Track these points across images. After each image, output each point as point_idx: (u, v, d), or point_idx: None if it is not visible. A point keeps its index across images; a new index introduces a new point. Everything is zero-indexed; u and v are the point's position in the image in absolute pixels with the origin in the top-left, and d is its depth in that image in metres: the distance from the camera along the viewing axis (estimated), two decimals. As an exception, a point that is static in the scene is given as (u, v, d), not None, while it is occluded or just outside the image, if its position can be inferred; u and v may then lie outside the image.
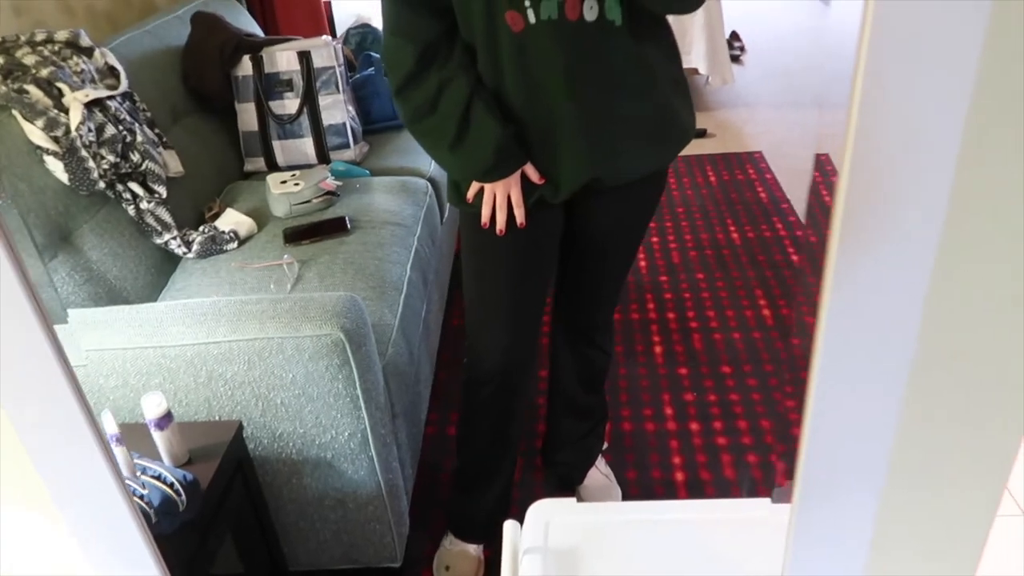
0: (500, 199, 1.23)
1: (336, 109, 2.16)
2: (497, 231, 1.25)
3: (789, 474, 0.99)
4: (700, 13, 3.52)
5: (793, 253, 2.54)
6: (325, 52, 2.15)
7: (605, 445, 1.73)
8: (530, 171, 1.22)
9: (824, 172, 3.04)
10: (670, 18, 1.24)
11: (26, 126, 1.51)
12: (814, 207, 2.79)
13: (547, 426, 1.70)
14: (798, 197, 2.91)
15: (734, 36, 4.65)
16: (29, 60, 1.59)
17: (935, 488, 0.83)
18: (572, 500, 1.17)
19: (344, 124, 2.16)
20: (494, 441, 1.49)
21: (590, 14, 1.09)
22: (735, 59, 4.55)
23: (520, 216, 1.24)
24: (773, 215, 2.78)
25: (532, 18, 1.09)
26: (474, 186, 1.25)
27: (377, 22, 2.72)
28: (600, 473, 1.68)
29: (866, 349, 0.73)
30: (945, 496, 0.84)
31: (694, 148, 3.13)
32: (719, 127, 3.60)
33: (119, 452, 1.02)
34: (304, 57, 2.14)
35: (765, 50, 4.72)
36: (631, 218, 1.38)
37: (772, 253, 2.54)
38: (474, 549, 1.57)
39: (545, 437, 1.72)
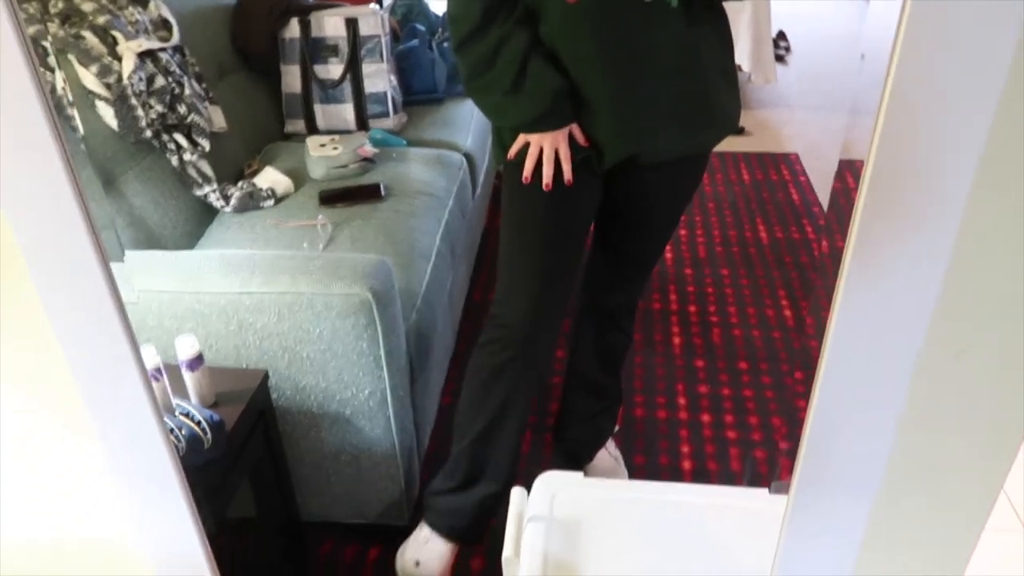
0: (548, 152, 1.25)
1: (378, 77, 2.19)
2: (543, 185, 1.26)
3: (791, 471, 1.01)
4: (747, 9, 3.49)
5: (818, 253, 2.54)
6: (372, 20, 2.18)
7: (616, 428, 1.76)
8: (576, 132, 1.24)
9: (856, 177, 3.03)
10: None
11: (80, 71, 1.56)
12: (831, 213, 2.77)
13: (560, 403, 1.73)
14: (828, 198, 2.90)
15: (780, 36, 4.61)
16: (87, 7, 1.64)
17: (929, 493, 0.85)
18: (579, 474, 1.20)
19: (385, 93, 2.19)
20: (499, 422, 1.40)
21: None
22: (779, 59, 4.51)
23: (567, 171, 1.25)
24: (803, 217, 2.78)
25: None
26: (519, 141, 1.27)
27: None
28: (609, 454, 1.71)
29: (872, 353, 0.75)
30: (938, 502, 0.86)
31: (729, 145, 3.13)
32: (757, 126, 3.59)
33: (157, 386, 1.07)
34: (351, 24, 2.17)
35: (810, 51, 4.68)
36: (668, 199, 1.41)
37: (799, 255, 2.54)
38: (451, 548, 1.47)
39: (557, 414, 1.75)
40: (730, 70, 1.29)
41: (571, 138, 1.25)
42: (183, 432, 1.10)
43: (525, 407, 1.41)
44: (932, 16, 0.59)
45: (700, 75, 1.22)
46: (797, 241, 2.62)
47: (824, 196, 2.94)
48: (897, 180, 0.66)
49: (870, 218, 0.68)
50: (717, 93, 1.26)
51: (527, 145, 1.26)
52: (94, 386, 0.84)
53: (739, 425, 1.84)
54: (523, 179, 1.27)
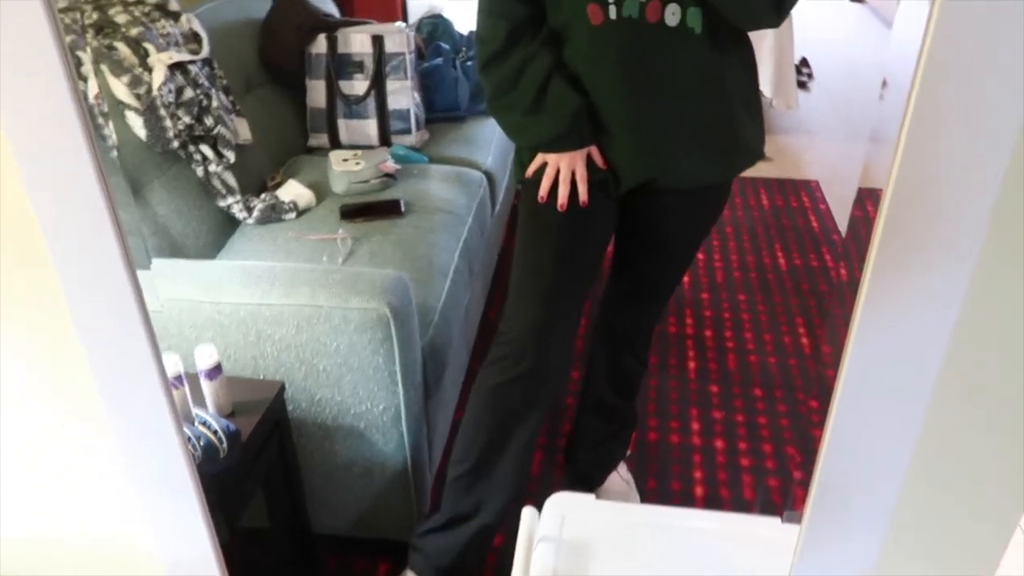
0: (564, 172, 1.25)
1: (402, 94, 2.21)
2: (559, 205, 1.27)
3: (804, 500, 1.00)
4: (770, 36, 3.50)
5: (836, 281, 2.52)
6: (398, 38, 2.20)
7: (629, 452, 1.75)
8: (595, 154, 1.25)
9: (876, 206, 3.02)
10: None
11: (112, 81, 1.59)
12: (849, 241, 2.75)
13: (573, 424, 1.73)
14: (846, 226, 2.89)
15: (803, 62, 4.61)
16: (120, 19, 1.67)
17: (942, 528, 0.84)
18: (591, 496, 1.20)
19: (408, 110, 2.22)
20: (501, 442, 1.33)
21: (671, 19, 1.13)
22: (802, 85, 4.51)
23: (583, 193, 1.26)
24: (822, 245, 2.77)
25: (612, 14, 1.13)
26: (536, 161, 1.28)
27: (448, 13, 2.77)
28: (620, 478, 1.71)
29: (887, 384, 0.75)
30: (951, 537, 0.85)
31: (749, 170, 3.13)
32: (778, 152, 3.59)
33: (177, 394, 1.08)
34: (377, 41, 2.20)
35: (833, 79, 4.68)
36: (686, 226, 1.41)
37: (817, 283, 2.53)
38: None
39: (569, 435, 1.75)
40: (754, 99, 1.29)
41: (589, 160, 1.26)
42: (200, 441, 1.11)
43: (531, 428, 1.35)
44: (954, 46, 0.59)
45: (723, 103, 1.23)
46: (815, 269, 2.61)
47: (844, 224, 2.93)
48: (915, 210, 0.66)
49: (887, 247, 0.68)
50: (740, 122, 1.26)
51: (544, 165, 1.27)
52: (115, 392, 0.85)
53: (753, 452, 1.83)
54: (539, 198, 1.28)
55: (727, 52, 1.20)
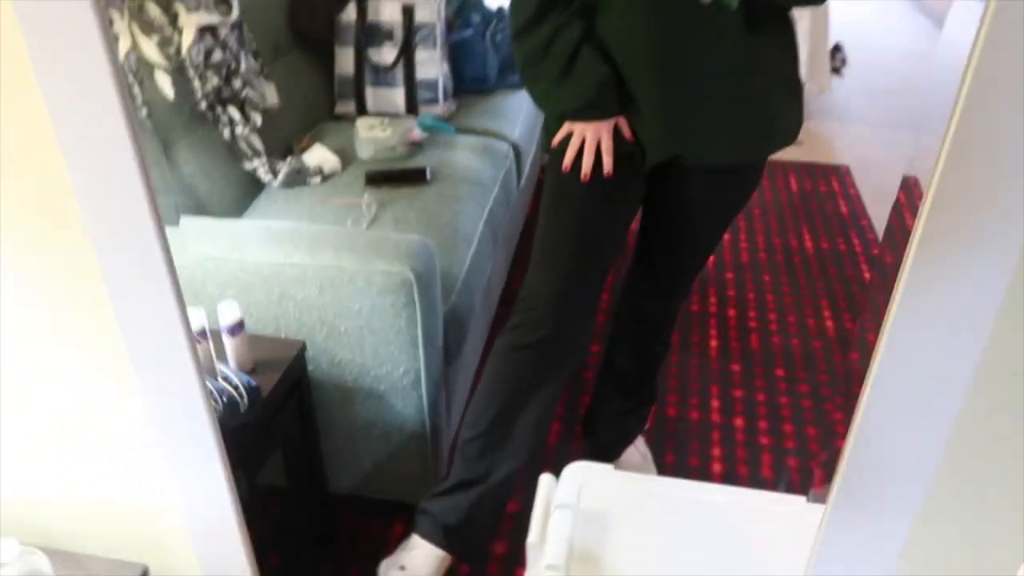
0: (590, 142, 1.24)
1: (431, 64, 2.20)
2: (581, 175, 1.25)
3: (826, 482, 0.99)
4: (807, 18, 3.44)
5: (866, 270, 2.48)
6: (427, 8, 2.19)
7: (647, 426, 1.74)
8: (623, 125, 1.23)
9: (910, 195, 2.97)
10: None
11: (142, 40, 1.59)
12: (895, 227, 2.71)
13: (591, 397, 1.72)
14: (879, 216, 2.84)
15: (837, 48, 4.53)
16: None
17: (973, 518, 0.82)
18: (609, 467, 1.19)
19: (436, 80, 2.20)
20: (514, 409, 1.31)
21: None
22: (835, 71, 4.43)
23: (607, 164, 1.24)
24: (851, 230, 2.73)
25: None
26: (563, 130, 1.27)
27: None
28: (637, 451, 1.70)
29: (926, 368, 0.73)
30: (981, 527, 0.83)
31: (779, 153, 3.09)
32: (808, 136, 3.53)
33: (201, 348, 1.08)
34: (407, 11, 2.18)
35: (867, 65, 4.59)
36: (713, 207, 1.38)
37: (844, 267, 2.49)
38: (441, 557, 1.33)
39: (588, 408, 1.74)
40: (791, 80, 1.26)
41: (616, 132, 1.24)
42: (222, 395, 1.11)
43: (546, 398, 1.32)
44: (1007, 47, 0.58)
45: (758, 82, 1.21)
46: (843, 253, 2.57)
47: (873, 210, 2.88)
48: (962, 199, 0.65)
49: (931, 234, 0.66)
50: (776, 102, 1.24)
51: (570, 135, 1.26)
52: (141, 344, 0.86)
53: (772, 432, 1.81)
54: (563, 168, 1.27)
55: (766, 33, 1.17)
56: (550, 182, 1.34)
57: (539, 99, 1.31)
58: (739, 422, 1.84)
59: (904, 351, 0.73)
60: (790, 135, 1.29)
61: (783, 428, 1.82)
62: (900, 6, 5.73)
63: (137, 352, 0.86)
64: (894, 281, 0.71)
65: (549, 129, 1.32)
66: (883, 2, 5.73)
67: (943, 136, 0.63)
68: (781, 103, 1.25)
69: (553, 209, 1.33)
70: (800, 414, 1.87)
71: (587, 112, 1.23)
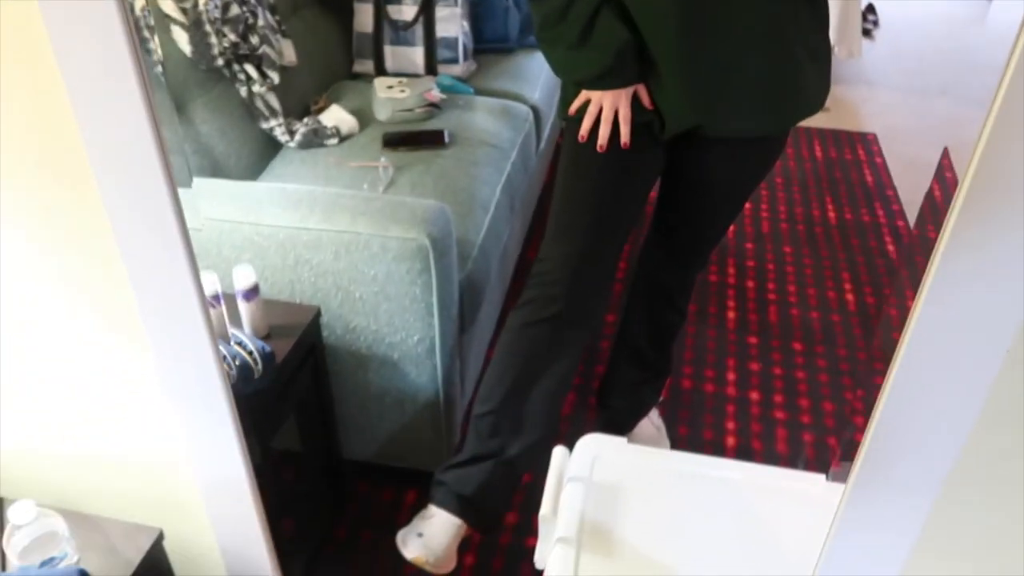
0: (607, 111, 1.21)
1: (451, 22, 2.15)
2: (597, 146, 1.23)
3: (844, 459, 0.97)
4: (838, -23, 3.33)
5: (890, 243, 2.44)
6: (449, -37, 2.13)
7: (662, 398, 1.73)
8: (642, 94, 1.20)
9: (939, 166, 2.90)
10: None
11: (159, -7, 1.56)
12: (926, 201, 2.64)
13: (606, 368, 1.71)
14: (905, 186, 2.78)
15: (869, 8, 4.40)
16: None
17: (993, 504, 0.81)
18: (623, 440, 1.19)
19: (456, 39, 2.15)
20: (528, 382, 1.29)
21: None
22: (866, 33, 4.31)
23: (625, 134, 1.21)
24: (875, 200, 2.67)
25: None
26: (580, 98, 1.24)
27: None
28: (651, 423, 1.69)
29: (955, 348, 0.71)
30: (1002, 512, 0.81)
31: (805, 120, 3.02)
32: (836, 102, 3.44)
33: (215, 313, 1.07)
34: (427, -34, 2.13)
35: (900, 29, 4.46)
36: (736, 177, 1.35)
37: (867, 239, 2.45)
38: (458, 525, 1.31)
39: (602, 379, 1.73)
40: (820, 48, 1.21)
41: (635, 100, 1.21)
42: (236, 360, 1.11)
43: (560, 372, 1.31)
44: None
45: (784, 49, 1.16)
46: (867, 224, 2.52)
47: (900, 180, 2.82)
48: (1000, 182, 0.62)
49: (969, 209, 0.64)
50: (803, 72, 1.19)
51: (588, 103, 1.22)
52: (155, 308, 0.85)
53: (788, 406, 1.80)
54: (579, 137, 1.24)
55: (790, 2, 1.12)
56: (567, 151, 1.31)
57: (556, 65, 1.27)
58: (754, 396, 1.83)
59: (937, 324, 0.70)
60: (817, 103, 1.25)
61: (799, 403, 1.81)
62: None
63: (151, 315, 0.86)
64: (927, 253, 0.69)
65: (566, 96, 1.29)
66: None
67: (988, 108, 0.60)
68: (808, 70, 1.20)
69: (569, 180, 1.30)
70: (817, 389, 1.85)
71: (605, 81, 1.19)
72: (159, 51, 1.54)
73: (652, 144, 1.26)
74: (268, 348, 1.14)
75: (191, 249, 0.81)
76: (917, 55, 4.11)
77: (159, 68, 1.52)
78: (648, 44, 1.16)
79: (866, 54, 4.03)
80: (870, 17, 4.41)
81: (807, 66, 1.20)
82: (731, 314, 2.09)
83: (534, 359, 1.30)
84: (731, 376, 1.88)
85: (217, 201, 1.34)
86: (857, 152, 3.01)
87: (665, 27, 1.14)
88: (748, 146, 1.29)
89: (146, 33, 1.51)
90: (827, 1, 1.19)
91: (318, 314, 1.31)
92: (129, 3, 0.69)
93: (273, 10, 1.84)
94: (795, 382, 1.87)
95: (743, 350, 1.96)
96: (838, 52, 3.51)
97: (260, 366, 1.12)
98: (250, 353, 1.12)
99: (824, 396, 1.83)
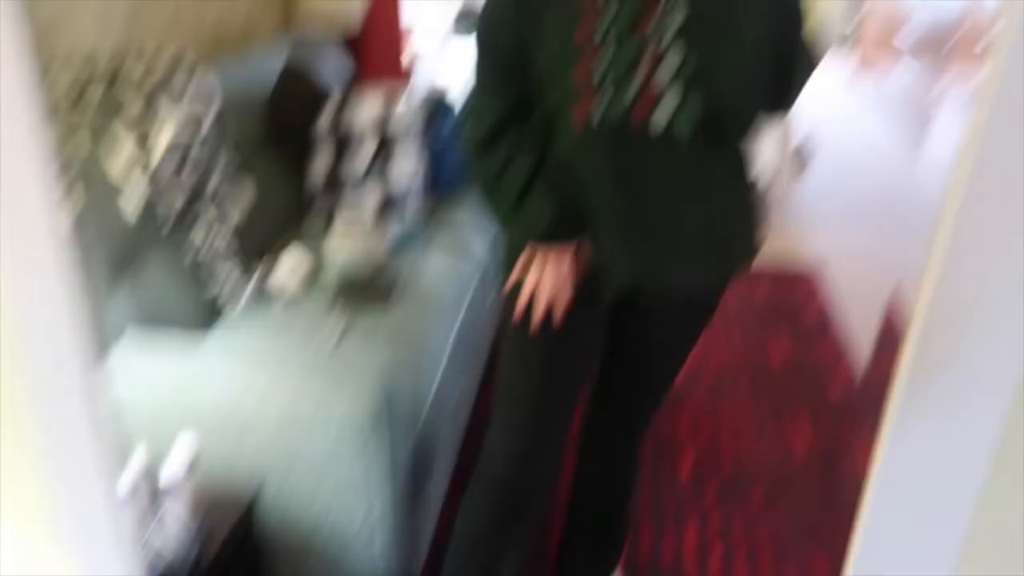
0: (541, 292, 1.19)
1: (405, 172, 2.19)
2: (531, 329, 1.21)
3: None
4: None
5: (835, 381, 2.47)
6: (403, 111, 2.20)
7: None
8: (579, 257, 1.21)
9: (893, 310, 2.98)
10: None
11: (111, 152, 1.55)
12: (887, 335, 2.69)
13: (561, 541, 1.63)
14: (850, 322, 2.84)
15: (804, 142, 4.61)
16: (134, 75, 1.64)
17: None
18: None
19: (408, 192, 2.19)
20: (497, 564, 1.32)
21: (660, 119, 1.07)
22: (803, 165, 4.49)
23: (558, 316, 1.20)
24: (820, 338, 2.73)
25: (596, 119, 1.08)
26: (513, 275, 1.23)
27: (452, 96, 2.76)
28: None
29: (919, 511, 0.69)
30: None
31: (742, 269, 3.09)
32: (774, 235, 3.56)
33: (143, 492, 1.01)
34: (382, 117, 2.19)
35: (836, 159, 4.64)
36: (675, 341, 1.36)
37: (816, 379, 2.48)
38: None
39: (558, 555, 1.64)
40: (746, 197, 1.24)
41: (575, 260, 1.21)
42: (168, 545, 1.04)
43: (522, 548, 1.33)
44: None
45: (710, 206, 1.18)
46: (813, 364, 2.56)
47: (845, 315, 2.88)
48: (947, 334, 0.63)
49: (924, 348, 0.64)
50: (733, 223, 1.22)
51: (522, 280, 1.22)
52: (69, 505, 0.79)
53: (750, 557, 1.76)
54: (515, 317, 1.23)
55: (716, 155, 1.15)
56: (506, 333, 1.29)
57: (494, 222, 1.29)
58: (718, 551, 1.78)
59: (898, 480, 0.69)
60: (749, 253, 1.27)
61: (760, 556, 1.77)
62: (867, 97, 5.88)
63: (66, 515, 0.79)
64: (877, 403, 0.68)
65: (506, 260, 1.27)
66: (848, 96, 5.89)
67: (927, 254, 0.62)
68: (740, 221, 1.23)
69: (512, 368, 1.29)
70: (781, 547, 1.81)
71: (537, 249, 1.20)
72: (100, 211, 1.51)
73: (593, 320, 1.26)
74: (203, 530, 1.08)
75: (110, 436, 0.75)
76: (853, 186, 4.31)
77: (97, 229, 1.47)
78: (583, 206, 1.17)
79: (806, 187, 4.22)
80: (804, 150, 4.63)
81: (738, 217, 1.22)
82: (685, 470, 2.06)
83: (492, 537, 1.30)
84: (691, 536, 1.84)
85: (154, 371, 1.29)
86: (800, 289, 3.10)
87: (600, 192, 1.15)
88: (689, 303, 1.30)
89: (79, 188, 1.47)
90: (750, 153, 1.23)
91: (257, 493, 1.25)
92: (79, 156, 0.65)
93: (227, 163, 1.85)
94: (755, 534, 1.83)
95: (701, 505, 1.92)
96: (773, 185, 3.67)
97: (195, 552, 1.05)
98: (182, 536, 1.05)
99: (787, 556, 1.79)
